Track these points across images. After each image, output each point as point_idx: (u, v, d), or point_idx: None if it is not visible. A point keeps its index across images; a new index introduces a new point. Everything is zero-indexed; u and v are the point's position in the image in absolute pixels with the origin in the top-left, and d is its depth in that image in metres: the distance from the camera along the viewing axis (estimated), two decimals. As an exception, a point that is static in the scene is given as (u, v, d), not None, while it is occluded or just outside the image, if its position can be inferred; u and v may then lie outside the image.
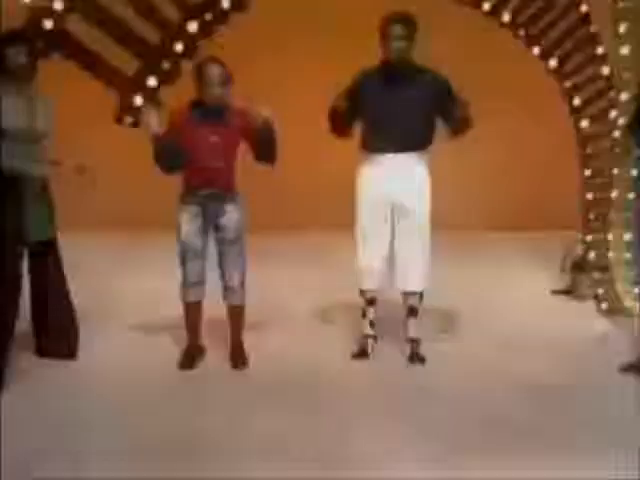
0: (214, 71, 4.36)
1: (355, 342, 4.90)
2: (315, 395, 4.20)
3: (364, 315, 4.87)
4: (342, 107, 4.50)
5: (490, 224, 7.59)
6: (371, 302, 4.83)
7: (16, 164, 4.34)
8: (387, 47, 4.46)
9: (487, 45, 6.47)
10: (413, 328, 4.78)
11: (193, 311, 4.67)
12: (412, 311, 4.76)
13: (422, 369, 4.63)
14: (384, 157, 4.58)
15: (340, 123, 4.64)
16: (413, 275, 4.68)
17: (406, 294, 4.75)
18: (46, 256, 4.63)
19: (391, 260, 4.71)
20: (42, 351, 4.73)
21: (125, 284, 6.23)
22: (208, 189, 4.50)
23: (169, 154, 4.39)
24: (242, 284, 4.63)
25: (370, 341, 4.84)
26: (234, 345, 4.72)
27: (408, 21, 4.48)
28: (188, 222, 4.54)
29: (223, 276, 4.62)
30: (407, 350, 4.77)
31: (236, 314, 4.71)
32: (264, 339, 5.02)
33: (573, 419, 3.86)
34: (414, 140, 4.59)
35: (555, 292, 6.19)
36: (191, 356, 4.66)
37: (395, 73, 4.52)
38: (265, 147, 4.49)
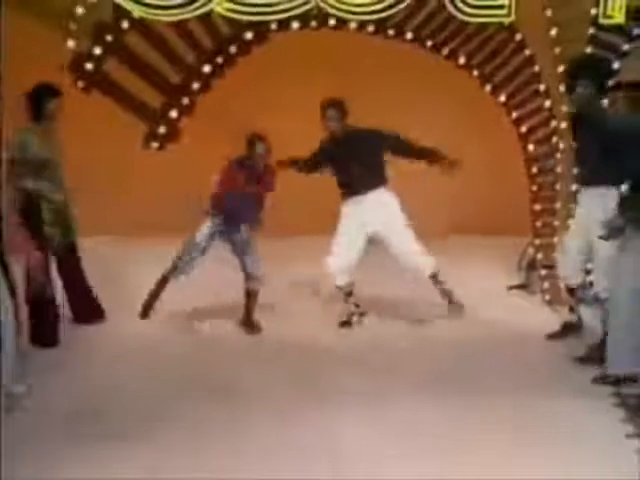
0: (260, 148, 5.91)
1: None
2: (312, 353, 5.54)
3: (346, 301, 6.20)
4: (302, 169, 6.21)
5: (453, 229, 8.77)
6: (348, 294, 6.20)
7: (35, 186, 5.66)
8: (328, 126, 6.06)
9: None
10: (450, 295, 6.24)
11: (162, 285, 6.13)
12: (441, 289, 6.27)
13: (401, 338, 5.94)
14: (357, 198, 6.10)
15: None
16: (424, 264, 6.15)
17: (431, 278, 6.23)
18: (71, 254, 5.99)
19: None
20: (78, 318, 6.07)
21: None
22: (236, 217, 6.03)
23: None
24: (261, 274, 6.04)
25: (355, 316, 6.18)
26: (248, 317, 6.06)
27: (339, 104, 6.05)
28: (206, 225, 5.98)
29: (245, 268, 6.01)
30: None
31: (253, 295, 6.10)
32: (275, 316, 6.34)
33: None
34: (373, 180, 6.12)
35: (511, 287, 7.30)
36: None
37: (341, 140, 6.08)
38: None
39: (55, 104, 5.76)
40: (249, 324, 6.08)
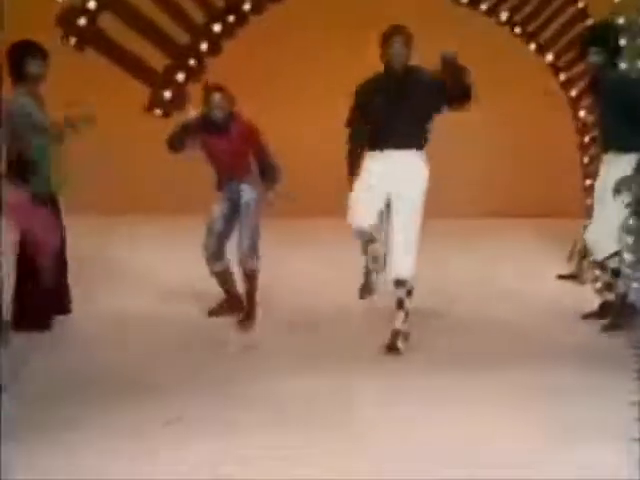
0: (216, 97, 5.20)
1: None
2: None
3: (365, 252, 4.93)
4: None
5: (503, 212, 7.98)
6: (372, 240, 4.87)
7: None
8: (389, 55, 4.78)
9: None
10: (399, 320, 4.83)
11: (220, 278, 5.42)
12: (400, 303, 4.87)
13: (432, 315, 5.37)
14: (384, 152, 4.87)
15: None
16: (402, 263, 4.82)
17: (397, 284, 4.85)
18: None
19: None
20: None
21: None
22: (228, 177, 5.35)
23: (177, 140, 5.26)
24: (253, 252, 5.27)
25: (374, 275, 4.93)
26: (250, 306, 5.37)
27: (406, 32, 4.84)
28: (216, 204, 5.34)
29: (240, 243, 5.29)
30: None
31: (249, 278, 5.34)
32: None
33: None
34: (410, 139, 4.88)
35: (561, 277, 6.49)
36: (220, 309, 5.48)
37: (397, 77, 4.84)
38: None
39: (40, 66, 4.96)
40: (249, 314, 5.34)
